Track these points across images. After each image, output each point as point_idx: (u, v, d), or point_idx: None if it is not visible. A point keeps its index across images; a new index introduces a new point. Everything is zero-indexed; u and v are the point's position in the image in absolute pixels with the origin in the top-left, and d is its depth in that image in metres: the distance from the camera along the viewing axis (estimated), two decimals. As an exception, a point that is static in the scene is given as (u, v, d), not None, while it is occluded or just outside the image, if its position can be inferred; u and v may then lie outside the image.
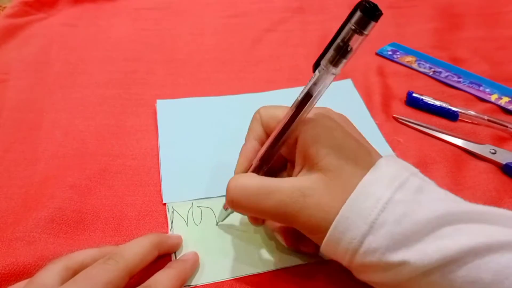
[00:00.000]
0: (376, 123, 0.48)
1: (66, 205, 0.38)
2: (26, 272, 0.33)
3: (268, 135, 0.33)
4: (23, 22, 0.64)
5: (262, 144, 0.34)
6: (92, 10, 0.68)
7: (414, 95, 0.50)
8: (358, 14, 0.26)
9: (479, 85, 0.53)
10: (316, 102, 0.30)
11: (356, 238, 0.26)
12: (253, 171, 0.33)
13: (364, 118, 0.49)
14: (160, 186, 0.41)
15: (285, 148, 0.33)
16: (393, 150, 0.45)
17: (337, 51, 0.27)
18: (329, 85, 0.29)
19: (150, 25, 0.65)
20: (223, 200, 0.35)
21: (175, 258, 0.35)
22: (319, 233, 0.28)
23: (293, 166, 0.32)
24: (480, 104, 0.51)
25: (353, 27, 0.26)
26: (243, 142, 0.45)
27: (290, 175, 0.32)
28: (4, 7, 0.71)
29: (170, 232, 0.37)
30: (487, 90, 0.52)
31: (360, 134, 0.33)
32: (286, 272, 0.34)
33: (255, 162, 0.33)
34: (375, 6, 0.25)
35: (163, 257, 0.35)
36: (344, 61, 0.27)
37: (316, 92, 0.29)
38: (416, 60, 0.58)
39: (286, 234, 0.34)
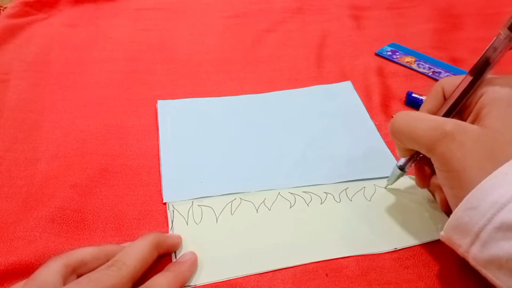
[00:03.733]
0: (375, 124, 0.48)
1: (66, 205, 0.38)
2: (27, 271, 0.33)
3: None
4: (24, 22, 0.64)
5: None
6: (92, 10, 0.69)
7: (413, 95, 0.50)
8: None
9: (478, 86, 0.53)
10: (492, 67, 0.32)
11: (506, 195, 0.26)
12: None
13: (363, 120, 0.49)
14: (160, 186, 0.41)
15: (466, 108, 0.34)
16: (392, 151, 0.45)
17: None
18: (505, 51, 0.31)
19: (150, 26, 0.65)
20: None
21: (175, 257, 0.35)
22: (448, 171, 0.30)
23: None
24: (479, 105, 0.51)
25: None
26: (242, 142, 0.46)
27: None
28: (5, 7, 0.72)
29: (170, 231, 0.37)
30: (486, 90, 0.52)
31: None
32: (286, 273, 0.34)
33: None
34: None
35: (163, 257, 0.35)
36: None
37: (493, 56, 0.31)
38: (415, 61, 0.58)
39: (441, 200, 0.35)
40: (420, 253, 0.35)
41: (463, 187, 0.29)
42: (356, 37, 0.63)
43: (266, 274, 0.34)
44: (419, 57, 0.58)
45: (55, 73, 0.55)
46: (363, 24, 0.66)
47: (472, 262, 0.29)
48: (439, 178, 0.32)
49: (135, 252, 0.32)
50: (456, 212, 0.29)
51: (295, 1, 0.71)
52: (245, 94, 0.52)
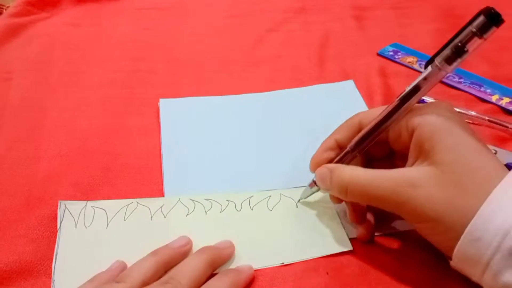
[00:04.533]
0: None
1: (68, 203, 0.38)
2: (29, 270, 0.33)
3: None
4: (26, 22, 0.64)
5: (335, 148, 0.36)
6: (95, 9, 0.69)
7: (415, 95, 0.50)
8: (481, 18, 0.28)
9: (480, 86, 0.53)
10: (421, 97, 0.31)
11: (509, 220, 0.26)
12: (343, 156, 0.35)
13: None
14: (162, 185, 0.41)
15: (395, 139, 0.33)
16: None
17: (454, 51, 0.29)
18: (437, 83, 0.30)
19: (152, 25, 0.66)
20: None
21: None
22: (425, 222, 0.29)
23: (402, 157, 0.33)
24: (481, 105, 0.51)
25: (474, 30, 0.28)
26: (243, 140, 0.46)
27: (396, 165, 0.34)
28: (7, 7, 0.72)
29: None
30: (488, 90, 0.52)
31: (473, 131, 0.32)
32: (286, 272, 0.34)
33: (349, 147, 0.34)
34: (498, 13, 0.28)
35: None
36: (459, 60, 0.29)
37: (425, 87, 0.30)
38: (417, 61, 0.58)
39: (354, 211, 0.35)
40: (420, 253, 0.35)
41: (450, 230, 0.28)
42: (358, 37, 0.63)
43: (267, 273, 0.34)
44: (421, 57, 0.58)
45: (57, 72, 0.55)
46: (365, 24, 0.66)
47: None
48: (417, 228, 0.31)
49: (190, 270, 0.31)
50: (460, 246, 0.28)
51: (297, 1, 0.71)
52: (246, 93, 0.52)
